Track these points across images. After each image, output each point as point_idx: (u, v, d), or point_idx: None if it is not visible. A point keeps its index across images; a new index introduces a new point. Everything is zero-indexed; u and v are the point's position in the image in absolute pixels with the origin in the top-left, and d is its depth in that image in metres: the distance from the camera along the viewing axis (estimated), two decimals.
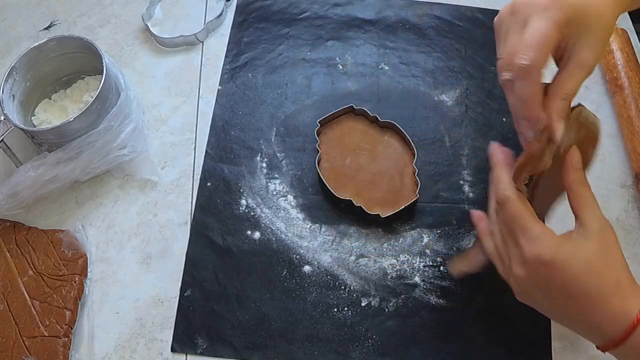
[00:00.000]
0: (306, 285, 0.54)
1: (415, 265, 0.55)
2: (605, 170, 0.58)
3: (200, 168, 0.61)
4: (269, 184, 0.60)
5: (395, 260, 0.55)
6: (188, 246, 0.57)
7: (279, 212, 0.58)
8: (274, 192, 0.59)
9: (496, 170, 0.44)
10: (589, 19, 0.38)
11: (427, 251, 0.55)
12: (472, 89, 0.64)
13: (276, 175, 0.60)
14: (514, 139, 0.60)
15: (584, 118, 0.44)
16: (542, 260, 0.39)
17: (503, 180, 0.43)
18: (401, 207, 0.55)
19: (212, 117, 0.64)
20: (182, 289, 0.55)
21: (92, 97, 0.56)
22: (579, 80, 0.39)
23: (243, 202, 0.59)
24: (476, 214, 0.48)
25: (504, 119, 0.61)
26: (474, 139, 0.61)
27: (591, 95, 0.63)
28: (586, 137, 0.45)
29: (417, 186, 0.56)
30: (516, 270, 0.41)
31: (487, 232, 0.46)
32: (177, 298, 0.54)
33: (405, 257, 0.55)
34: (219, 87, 0.66)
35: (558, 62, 0.41)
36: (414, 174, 0.57)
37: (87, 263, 0.56)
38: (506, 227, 0.42)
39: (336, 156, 0.60)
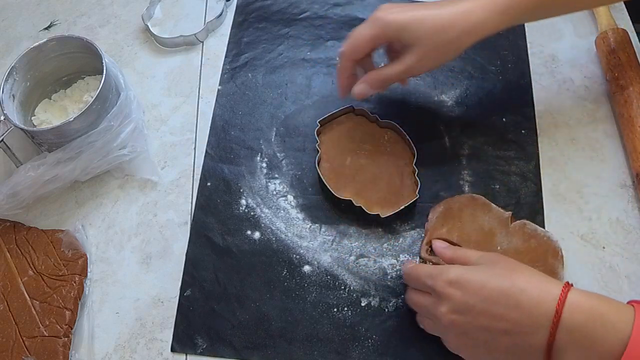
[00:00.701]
0: (306, 285, 0.54)
1: None
2: (605, 170, 0.58)
3: (200, 168, 0.61)
4: (269, 184, 0.60)
5: (395, 260, 0.55)
6: (188, 246, 0.57)
7: (279, 212, 0.58)
8: (274, 192, 0.59)
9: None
10: (418, 34, 0.49)
11: None
12: (472, 89, 0.64)
13: (276, 175, 0.60)
14: (514, 139, 0.60)
15: (531, 230, 0.51)
16: (450, 281, 0.43)
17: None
18: (401, 207, 0.55)
19: (212, 117, 0.64)
20: (182, 289, 0.55)
21: (92, 97, 0.56)
22: (395, 71, 0.51)
23: (243, 202, 0.59)
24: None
25: (504, 119, 0.61)
26: (474, 139, 0.61)
27: (591, 95, 0.63)
28: (539, 247, 0.50)
29: (417, 186, 0.56)
30: (440, 312, 0.44)
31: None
32: (177, 298, 0.54)
33: (405, 257, 0.55)
34: (219, 87, 0.66)
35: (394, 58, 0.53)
36: (414, 174, 0.57)
37: (87, 263, 0.56)
38: (428, 288, 0.46)
39: (336, 156, 0.60)
